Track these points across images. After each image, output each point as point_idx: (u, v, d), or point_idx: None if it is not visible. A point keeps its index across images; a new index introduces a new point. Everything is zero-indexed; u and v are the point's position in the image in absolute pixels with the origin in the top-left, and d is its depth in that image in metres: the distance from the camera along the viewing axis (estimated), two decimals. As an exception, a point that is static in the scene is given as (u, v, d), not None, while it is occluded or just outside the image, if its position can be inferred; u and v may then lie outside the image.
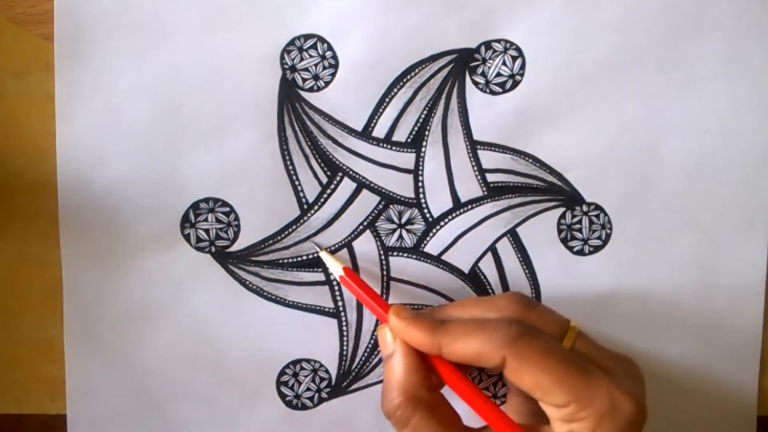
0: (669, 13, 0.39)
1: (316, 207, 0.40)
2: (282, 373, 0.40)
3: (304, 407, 0.41)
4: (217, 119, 0.39)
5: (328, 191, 0.40)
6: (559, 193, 0.40)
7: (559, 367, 0.32)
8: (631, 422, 0.31)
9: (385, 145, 0.40)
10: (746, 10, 0.39)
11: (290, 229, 0.40)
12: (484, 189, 0.40)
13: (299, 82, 0.39)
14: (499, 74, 0.39)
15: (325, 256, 0.39)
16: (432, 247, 0.40)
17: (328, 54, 0.39)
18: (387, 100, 0.39)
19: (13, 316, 0.40)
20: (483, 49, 0.39)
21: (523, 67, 0.39)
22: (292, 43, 0.39)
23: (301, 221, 0.40)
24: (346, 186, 0.40)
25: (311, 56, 0.39)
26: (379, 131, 0.39)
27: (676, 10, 0.39)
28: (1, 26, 0.39)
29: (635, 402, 0.31)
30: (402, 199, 0.40)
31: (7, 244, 0.40)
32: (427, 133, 0.40)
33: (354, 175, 0.40)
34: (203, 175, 0.39)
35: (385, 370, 0.35)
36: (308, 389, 0.41)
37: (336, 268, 0.38)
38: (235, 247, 0.40)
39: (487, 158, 0.40)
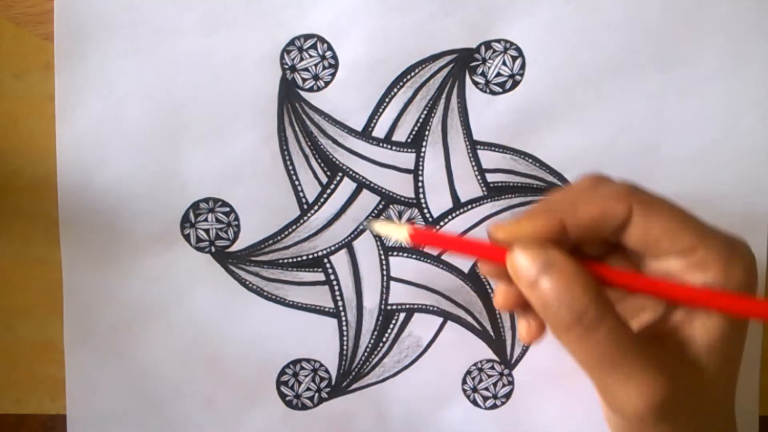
0: (669, 13, 0.39)
1: (316, 207, 0.40)
2: (282, 372, 0.40)
3: (304, 407, 0.41)
4: (217, 119, 0.39)
5: (328, 191, 0.40)
6: (559, 193, 0.40)
7: (681, 212, 0.30)
8: (752, 259, 0.30)
9: (385, 145, 0.40)
10: (746, 10, 0.39)
11: (290, 229, 0.40)
12: (484, 189, 0.40)
13: (299, 82, 0.39)
14: (499, 74, 0.39)
15: (382, 227, 0.33)
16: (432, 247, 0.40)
17: (328, 54, 0.39)
18: (387, 100, 0.39)
19: (13, 316, 0.40)
20: (483, 49, 0.39)
21: (523, 67, 0.39)
22: (292, 43, 0.39)
23: (301, 221, 0.40)
24: (346, 186, 0.40)
25: (311, 56, 0.39)
26: (379, 131, 0.39)
27: (676, 10, 0.39)
28: (1, 26, 0.39)
29: (747, 245, 0.30)
30: (402, 199, 0.40)
31: (6, 244, 0.40)
32: (427, 133, 0.40)
33: (354, 175, 0.40)
34: (203, 175, 0.39)
35: (545, 285, 0.28)
36: (308, 389, 0.41)
37: (400, 231, 0.31)
38: (235, 247, 0.40)
39: (487, 158, 0.40)
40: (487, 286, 0.41)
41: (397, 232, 0.31)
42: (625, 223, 0.30)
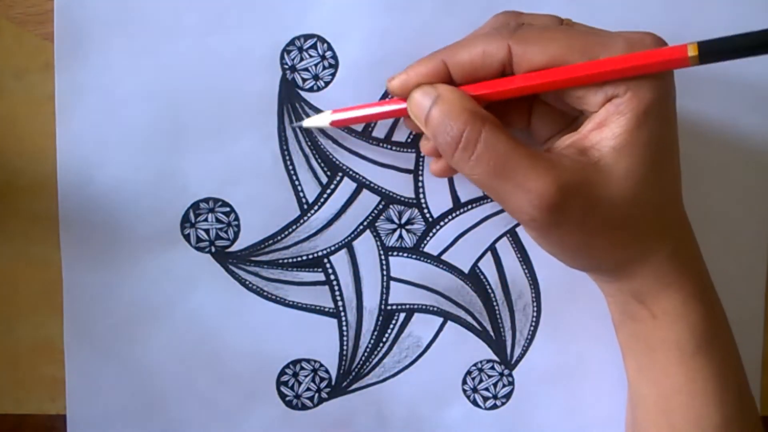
0: (668, 14, 0.39)
1: (316, 207, 0.40)
2: (282, 373, 0.40)
3: (304, 407, 0.41)
4: (217, 119, 0.39)
5: (328, 191, 0.40)
6: (560, 193, 0.40)
7: (564, 37, 0.31)
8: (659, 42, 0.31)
9: (385, 145, 0.40)
10: (745, 10, 0.39)
11: (290, 229, 0.40)
12: (484, 189, 0.40)
13: (299, 82, 0.39)
14: (499, 74, 0.39)
15: (308, 121, 0.38)
16: (432, 246, 0.40)
17: (328, 54, 0.39)
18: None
19: (13, 316, 0.40)
20: (483, 49, 0.39)
21: (523, 67, 0.39)
22: (292, 43, 0.39)
23: (301, 221, 0.40)
24: (346, 186, 0.40)
25: (311, 56, 0.39)
26: (379, 131, 0.39)
27: (675, 11, 0.39)
28: (0, 26, 0.39)
29: (654, 35, 0.31)
30: (402, 199, 0.40)
31: (6, 244, 0.40)
32: (427, 133, 0.40)
33: (354, 175, 0.40)
34: (203, 175, 0.39)
35: (433, 115, 0.31)
36: (308, 389, 0.41)
37: (323, 118, 0.38)
38: (235, 247, 0.40)
39: (487, 158, 0.40)
40: (487, 286, 0.41)
41: (319, 119, 0.37)
42: (506, 61, 0.31)
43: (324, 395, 0.41)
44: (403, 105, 0.34)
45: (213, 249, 0.40)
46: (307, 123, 0.38)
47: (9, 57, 0.39)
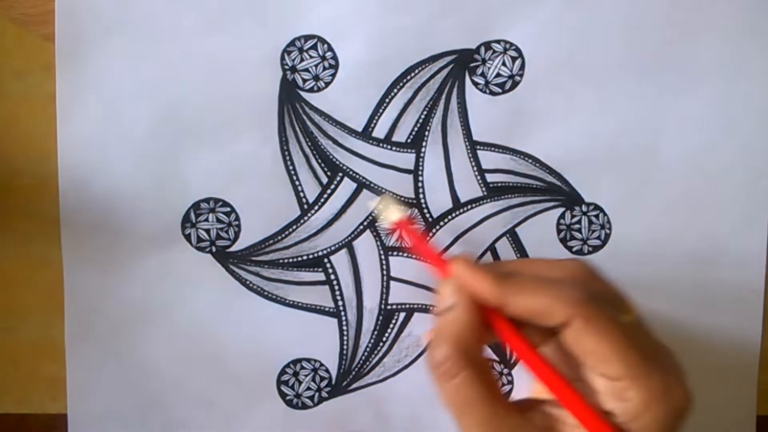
0: (668, 14, 0.39)
1: (316, 207, 0.40)
2: (282, 372, 0.41)
3: (305, 406, 0.41)
4: (217, 120, 0.39)
5: (329, 191, 0.40)
6: (559, 193, 0.40)
7: (622, 339, 0.30)
8: (680, 410, 0.30)
9: (385, 146, 0.40)
10: (745, 10, 0.39)
11: (290, 229, 0.40)
12: (484, 189, 0.40)
13: (299, 82, 0.39)
14: (498, 75, 0.39)
15: (387, 201, 0.38)
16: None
17: (329, 55, 0.39)
18: (387, 100, 0.39)
19: (14, 315, 0.40)
20: (483, 49, 0.39)
21: (522, 67, 0.39)
22: (292, 43, 0.39)
23: (302, 221, 0.40)
24: (347, 186, 0.40)
25: (311, 57, 0.39)
26: (379, 131, 0.40)
27: (675, 11, 0.39)
28: (1, 27, 0.39)
29: (686, 390, 0.30)
30: (402, 199, 0.40)
31: (8, 244, 0.40)
32: (426, 133, 0.40)
33: (354, 175, 0.40)
34: (204, 176, 0.39)
35: (440, 322, 0.31)
36: (308, 388, 0.41)
37: (395, 213, 0.36)
38: (235, 247, 0.40)
39: (487, 158, 0.40)
40: (487, 286, 0.41)
41: (391, 214, 0.36)
42: (560, 328, 0.30)
43: (324, 394, 0.41)
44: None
45: (214, 249, 0.40)
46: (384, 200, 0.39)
47: (10, 57, 0.39)
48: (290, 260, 0.40)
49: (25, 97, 0.39)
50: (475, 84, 0.39)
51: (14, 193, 0.40)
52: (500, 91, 0.39)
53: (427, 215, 0.40)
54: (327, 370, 0.41)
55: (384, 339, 0.41)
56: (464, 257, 0.32)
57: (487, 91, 0.39)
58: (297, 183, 0.40)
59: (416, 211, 0.40)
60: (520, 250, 0.40)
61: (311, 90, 0.39)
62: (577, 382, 0.32)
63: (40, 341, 0.40)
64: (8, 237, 0.40)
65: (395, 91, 0.39)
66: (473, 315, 0.31)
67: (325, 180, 0.40)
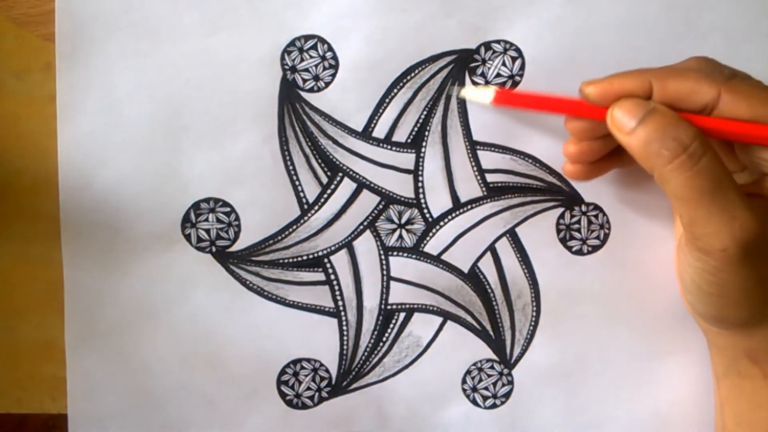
0: (668, 14, 0.39)
1: (316, 207, 0.40)
2: (282, 372, 0.41)
3: (305, 406, 0.41)
4: (217, 120, 0.39)
5: (329, 191, 0.40)
6: (559, 193, 0.40)
7: None
8: None
9: (385, 146, 0.40)
10: (745, 10, 0.39)
11: (290, 229, 0.40)
12: (484, 189, 0.40)
13: (299, 82, 0.39)
14: (498, 75, 0.39)
15: (469, 92, 0.38)
16: (432, 247, 0.40)
17: (329, 54, 0.39)
18: (387, 100, 0.39)
19: (14, 315, 0.40)
20: (483, 49, 0.39)
21: (522, 67, 0.39)
22: (292, 43, 0.39)
23: (302, 221, 0.40)
24: (347, 186, 0.40)
25: (311, 57, 0.39)
26: (379, 131, 0.40)
27: (675, 11, 0.39)
28: (1, 27, 0.39)
29: None
30: (402, 199, 0.40)
31: (7, 243, 0.40)
32: (427, 133, 0.40)
33: (354, 175, 0.40)
34: (204, 176, 0.39)
35: (648, 123, 0.32)
36: (308, 388, 0.41)
37: (485, 93, 0.37)
38: (235, 247, 0.40)
39: (487, 158, 0.40)
40: (487, 287, 0.41)
41: (482, 94, 0.37)
42: (711, 106, 0.32)
43: (324, 394, 0.41)
44: (572, 100, 0.35)
45: (214, 249, 0.40)
46: (467, 94, 0.38)
47: (10, 57, 0.39)
48: (290, 260, 0.40)
49: (25, 97, 0.39)
50: (476, 84, 0.39)
51: (14, 193, 0.40)
52: (500, 91, 0.39)
53: (427, 215, 0.40)
54: (327, 370, 0.41)
55: (384, 339, 0.41)
56: (586, 81, 0.34)
57: (488, 91, 0.39)
58: (297, 183, 0.40)
59: (416, 211, 0.40)
60: (520, 249, 0.40)
61: (311, 90, 0.39)
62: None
63: (40, 341, 0.40)
64: (7, 237, 0.40)
65: (395, 91, 0.39)
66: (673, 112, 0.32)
67: (325, 180, 0.40)
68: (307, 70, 0.39)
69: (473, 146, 0.40)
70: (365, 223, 0.40)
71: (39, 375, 0.41)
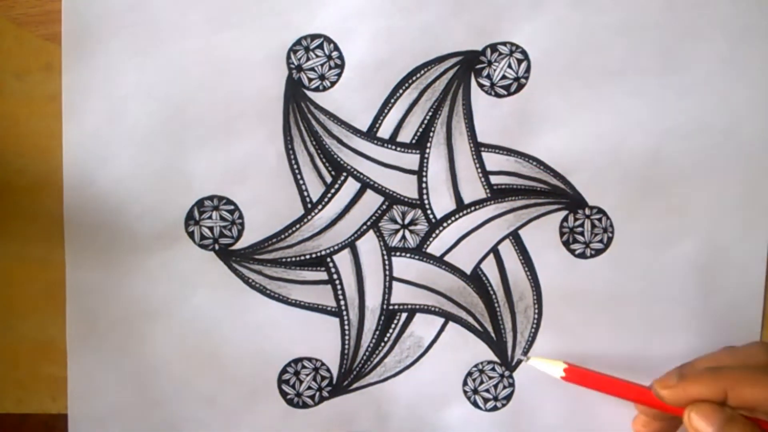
0: (670, 15, 0.39)
1: (320, 206, 0.40)
2: (283, 371, 0.41)
3: (305, 406, 0.41)
4: (222, 118, 0.39)
5: (333, 191, 0.40)
6: (563, 196, 0.40)
7: None
8: None
9: (389, 146, 0.40)
10: (746, 11, 0.39)
11: (294, 228, 0.40)
12: (488, 191, 0.40)
13: (305, 81, 0.39)
14: (504, 77, 0.39)
15: (538, 363, 0.39)
16: (434, 247, 0.40)
17: (335, 54, 0.39)
18: (392, 100, 0.39)
19: (15, 315, 0.40)
20: (488, 51, 0.39)
21: (528, 70, 0.39)
22: (298, 42, 0.39)
23: (305, 220, 0.40)
24: (350, 186, 0.40)
25: (317, 56, 0.39)
26: (384, 132, 0.40)
27: (677, 12, 0.39)
28: (2, 27, 0.39)
29: None
30: (406, 199, 0.40)
31: (8, 243, 0.40)
32: (431, 134, 0.40)
33: (358, 175, 0.40)
34: (208, 173, 0.39)
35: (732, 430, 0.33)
36: (309, 388, 0.41)
37: (556, 369, 0.38)
38: (238, 245, 0.40)
39: (491, 160, 0.40)
40: (489, 288, 0.41)
41: (552, 369, 0.38)
42: None
43: (325, 394, 0.41)
44: (643, 389, 0.36)
45: (217, 247, 0.40)
46: (535, 365, 0.39)
47: (10, 57, 0.39)
48: (293, 259, 0.40)
49: (25, 97, 0.39)
50: (481, 86, 0.39)
51: (15, 192, 0.40)
52: (505, 93, 0.39)
53: (431, 216, 0.40)
54: (328, 370, 0.41)
55: (385, 339, 0.41)
56: (661, 380, 0.35)
57: (493, 93, 0.39)
58: (301, 182, 0.40)
59: (419, 211, 0.40)
60: (523, 252, 0.40)
61: (317, 89, 0.39)
62: None
63: (40, 341, 0.40)
64: (9, 236, 0.40)
65: (401, 91, 0.39)
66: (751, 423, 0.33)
67: (329, 179, 0.40)
68: (312, 69, 0.39)
69: (478, 148, 0.40)
70: (368, 223, 0.40)
71: (39, 375, 0.41)
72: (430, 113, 0.40)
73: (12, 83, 0.39)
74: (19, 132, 0.39)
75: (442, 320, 0.41)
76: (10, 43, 0.39)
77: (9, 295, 0.40)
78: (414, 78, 0.39)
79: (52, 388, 0.41)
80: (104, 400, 0.40)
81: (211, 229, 0.40)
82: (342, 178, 0.40)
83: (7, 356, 0.41)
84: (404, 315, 0.41)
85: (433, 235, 0.40)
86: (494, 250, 0.41)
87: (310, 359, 0.41)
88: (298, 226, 0.40)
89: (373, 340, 0.41)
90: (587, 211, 0.40)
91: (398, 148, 0.40)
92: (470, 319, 0.41)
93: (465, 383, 0.41)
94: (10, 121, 0.39)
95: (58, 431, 0.41)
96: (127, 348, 0.40)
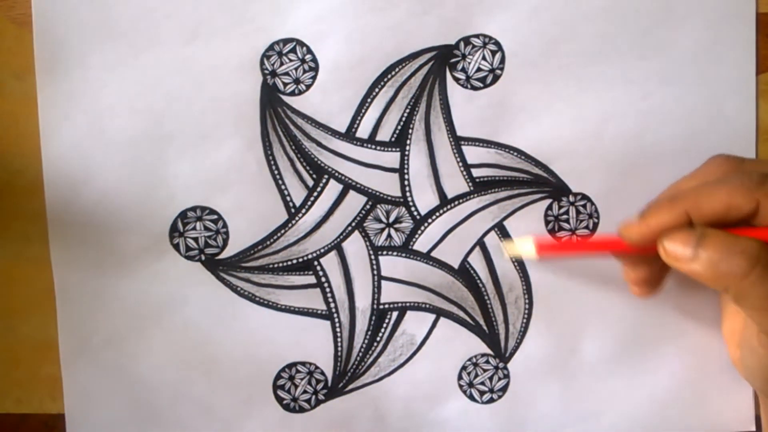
0: (647, 0, 0.39)
1: (303, 210, 0.40)
2: (278, 377, 0.41)
3: (302, 410, 0.41)
4: (200, 127, 0.39)
5: (315, 194, 0.40)
6: (545, 184, 0.40)
7: None
8: None
9: (369, 146, 0.40)
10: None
11: (279, 234, 0.40)
12: (470, 184, 0.40)
13: (280, 86, 0.39)
14: (479, 69, 0.39)
15: (508, 246, 0.38)
16: (421, 244, 0.40)
17: (308, 57, 0.39)
18: (369, 100, 0.39)
19: (14, 315, 0.40)
20: (462, 44, 0.39)
21: (503, 61, 0.39)
22: (271, 48, 0.39)
23: (290, 225, 0.40)
24: (333, 188, 0.40)
25: (291, 60, 0.39)
26: (363, 132, 0.40)
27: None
28: (1, 27, 0.39)
29: None
30: (389, 198, 0.40)
31: (7, 243, 0.40)
32: (410, 131, 0.40)
33: (340, 176, 0.40)
34: (189, 184, 0.39)
35: (708, 247, 0.31)
36: (305, 392, 0.41)
37: (527, 248, 0.37)
38: (224, 254, 0.40)
39: (472, 153, 0.40)
40: (478, 281, 0.41)
41: (524, 248, 0.37)
42: (750, 216, 0.31)
43: (321, 397, 0.41)
44: (614, 238, 0.35)
45: (203, 257, 0.40)
46: (510, 252, 0.39)
47: (10, 57, 0.39)
48: (280, 265, 0.40)
49: (25, 97, 0.39)
50: (456, 80, 0.39)
51: (14, 192, 0.40)
52: (482, 85, 0.39)
53: (415, 213, 0.40)
54: (323, 373, 0.41)
55: (378, 339, 0.41)
56: (623, 223, 0.34)
57: (469, 86, 0.39)
58: (283, 187, 0.40)
59: (403, 209, 0.40)
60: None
61: (292, 93, 0.39)
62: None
63: (40, 341, 0.41)
64: (7, 236, 0.40)
65: (376, 90, 0.39)
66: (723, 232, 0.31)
67: (310, 183, 0.40)
68: (287, 73, 0.39)
69: (457, 142, 0.40)
70: (353, 224, 0.40)
71: (38, 375, 0.41)
72: (407, 110, 0.39)
73: (12, 83, 0.39)
74: (18, 132, 0.39)
75: (433, 316, 0.41)
76: (10, 43, 0.39)
77: (9, 295, 0.40)
78: (389, 76, 0.39)
79: (51, 388, 0.41)
80: (100, 414, 0.41)
81: (196, 240, 0.40)
82: (324, 180, 0.40)
83: (6, 356, 0.41)
84: (395, 314, 0.41)
85: (419, 232, 0.40)
86: (480, 243, 0.40)
87: (303, 363, 0.41)
88: (282, 231, 0.40)
89: (366, 341, 0.41)
90: (571, 198, 0.40)
91: (378, 147, 0.40)
92: (461, 314, 0.41)
93: (460, 377, 0.41)
94: (9, 121, 0.39)
95: (58, 431, 0.41)
96: (120, 360, 0.40)
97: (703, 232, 0.32)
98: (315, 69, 0.39)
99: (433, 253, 0.40)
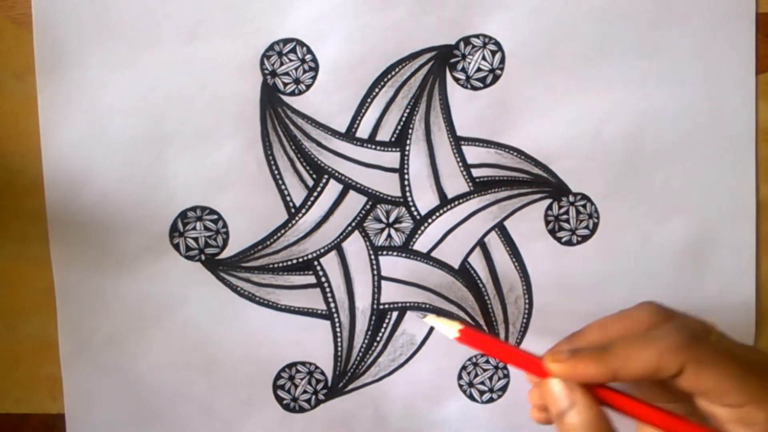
0: (648, 0, 0.39)
1: (303, 210, 0.40)
2: (278, 377, 0.41)
3: (302, 410, 0.41)
4: (200, 127, 0.39)
5: (315, 194, 0.40)
6: (546, 184, 0.40)
7: (737, 368, 0.31)
8: None
9: (369, 146, 0.40)
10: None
11: (279, 234, 0.40)
12: (470, 184, 0.40)
13: (280, 86, 0.39)
14: (479, 69, 0.39)
15: (434, 321, 0.37)
16: (421, 244, 0.40)
17: (308, 57, 0.39)
18: (369, 100, 0.39)
19: (14, 315, 0.41)
20: (462, 44, 0.39)
21: (502, 61, 0.39)
22: (271, 48, 0.39)
23: (289, 225, 0.40)
24: (333, 188, 0.40)
25: (291, 60, 0.39)
26: (363, 132, 0.39)
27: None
28: (2, 27, 0.39)
29: None
30: (389, 198, 0.40)
31: (8, 243, 0.40)
32: (410, 131, 0.40)
33: (340, 176, 0.40)
34: (189, 184, 0.39)
35: (568, 426, 0.32)
36: (305, 392, 0.41)
37: (450, 330, 0.35)
38: (224, 254, 0.40)
39: (472, 153, 0.40)
40: (478, 281, 0.41)
41: (447, 328, 0.35)
42: (675, 376, 0.31)
43: (321, 397, 0.41)
44: (536, 360, 0.34)
45: (203, 257, 0.40)
46: (431, 322, 0.37)
47: (10, 57, 0.39)
48: (280, 265, 0.40)
49: (25, 97, 0.39)
50: (456, 80, 0.39)
51: (15, 192, 0.40)
52: (481, 85, 0.39)
53: (415, 213, 0.40)
54: (323, 373, 0.41)
55: (378, 339, 0.41)
56: (551, 352, 0.33)
57: (469, 86, 0.39)
58: (283, 187, 0.40)
59: (403, 209, 0.40)
60: (509, 243, 0.40)
61: (292, 93, 0.39)
62: (695, 415, 0.33)
63: (40, 341, 0.41)
64: (7, 236, 0.40)
65: (376, 90, 0.39)
66: (597, 408, 0.32)
67: (310, 183, 0.40)
68: (287, 73, 0.39)
69: (457, 142, 0.40)
70: (353, 224, 0.40)
71: (38, 375, 0.41)
72: (407, 110, 0.39)
73: (12, 83, 0.39)
74: (18, 132, 0.39)
75: (433, 316, 0.41)
76: (10, 43, 0.39)
77: (9, 295, 0.40)
78: (389, 76, 0.39)
79: (51, 388, 0.41)
80: (101, 414, 0.41)
81: (196, 239, 0.40)
82: (324, 180, 0.40)
83: (7, 356, 0.41)
84: (395, 314, 0.41)
85: (419, 232, 0.40)
86: (481, 243, 0.40)
87: (303, 363, 0.41)
88: (282, 231, 0.40)
89: (366, 341, 0.41)
90: (571, 198, 0.40)
91: (378, 147, 0.40)
92: (461, 314, 0.41)
93: (460, 377, 0.41)
94: (9, 121, 0.39)
95: (58, 431, 0.41)
96: (120, 361, 0.40)
97: (576, 398, 0.32)
98: (315, 69, 0.39)
99: (434, 254, 0.40)
